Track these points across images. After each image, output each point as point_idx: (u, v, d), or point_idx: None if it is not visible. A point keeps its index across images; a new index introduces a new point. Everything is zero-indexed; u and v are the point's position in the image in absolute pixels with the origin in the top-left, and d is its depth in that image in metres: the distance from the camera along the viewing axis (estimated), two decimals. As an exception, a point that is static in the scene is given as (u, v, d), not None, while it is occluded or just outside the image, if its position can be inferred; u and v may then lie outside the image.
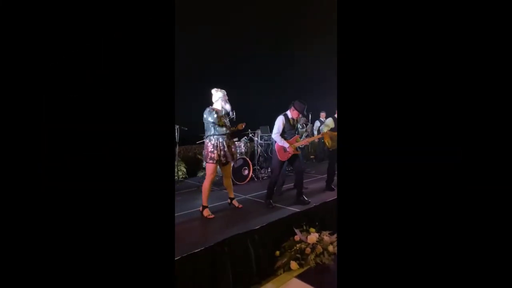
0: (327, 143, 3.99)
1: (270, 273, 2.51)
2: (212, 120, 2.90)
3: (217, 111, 2.94)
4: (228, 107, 3.00)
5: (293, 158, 3.27)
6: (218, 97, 2.98)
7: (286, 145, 3.15)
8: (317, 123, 6.75)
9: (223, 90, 3.03)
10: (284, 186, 3.98)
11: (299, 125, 4.86)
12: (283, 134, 3.20)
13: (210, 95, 3.03)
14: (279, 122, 3.19)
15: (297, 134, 3.30)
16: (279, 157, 3.21)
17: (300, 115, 3.24)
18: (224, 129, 2.95)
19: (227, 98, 3.02)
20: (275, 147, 3.24)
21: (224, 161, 2.99)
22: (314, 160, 6.88)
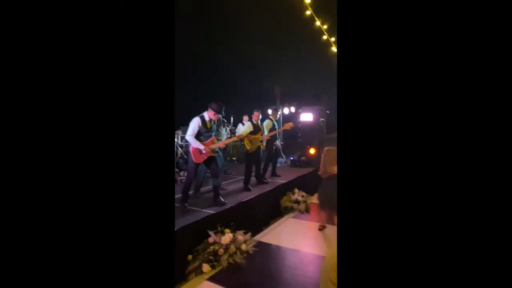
0: (247, 146, 4.16)
1: (182, 278, 2.43)
2: None
3: None
4: None
5: (209, 161, 3.25)
6: None
7: (201, 147, 3.11)
8: (240, 126, 6.89)
9: None
10: (202, 188, 3.92)
11: (215, 126, 4.87)
12: (198, 136, 3.15)
13: None
14: (195, 124, 3.12)
15: (215, 136, 3.29)
16: (194, 159, 3.15)
17: (218, 115, 3.23)
18: None
19: None
20: (190, 149, 3.17)
21: None
22: (235, 162, 7.01)
